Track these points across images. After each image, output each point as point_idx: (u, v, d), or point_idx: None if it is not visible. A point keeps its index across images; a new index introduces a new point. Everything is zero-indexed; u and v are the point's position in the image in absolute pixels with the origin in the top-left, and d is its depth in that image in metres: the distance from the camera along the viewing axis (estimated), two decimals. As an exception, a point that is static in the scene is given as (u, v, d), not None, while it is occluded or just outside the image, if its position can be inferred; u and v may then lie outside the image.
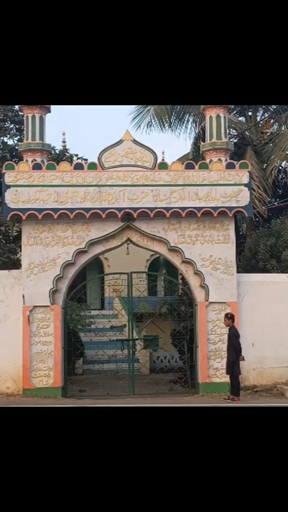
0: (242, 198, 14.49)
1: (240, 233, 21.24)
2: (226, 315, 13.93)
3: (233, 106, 18.43)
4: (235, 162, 14.95)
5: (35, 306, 14.32)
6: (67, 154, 21.88)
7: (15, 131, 21.54)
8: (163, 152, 25.68)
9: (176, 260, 14.89)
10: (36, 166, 14.51)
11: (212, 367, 14.39)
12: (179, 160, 18.90)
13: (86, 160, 20.00)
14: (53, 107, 16.03)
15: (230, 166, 14.69)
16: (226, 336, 13.84)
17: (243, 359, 13.49)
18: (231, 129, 21.60)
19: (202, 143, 16.24)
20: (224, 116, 15.53)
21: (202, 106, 16.46)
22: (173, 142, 49.17)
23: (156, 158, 14.72)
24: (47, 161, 15.27)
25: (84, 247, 14.55)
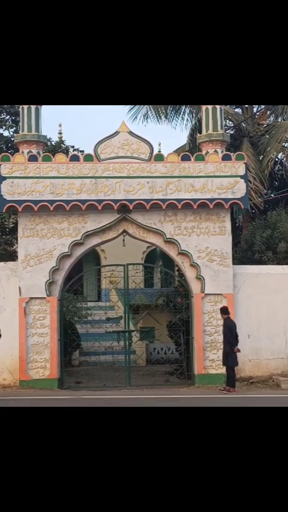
0: (238, 189, 14.49)
1: (237, 225, 21.23)
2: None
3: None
4: (231, 154, 14.95)
5: (31, 298, 14.35)
6: (63, 146, 21.82)
7: (10, 122, 21.49)
8: (159, 144, 25.66)
9: (172, 252, 14.90)
10: (32, 158, 14.48)
11: (208, 358, 14.43)
12: (175, 151, 18.89)
13: (82, 151, 19.98)
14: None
15: (226, 158, 14.68)
16: (222, 328, 13.91)
17: (238, 350, 13.55)
18: (227, 120, 21.55)
19: (198, 134, 16.20)
20: (220, 108, 15.49)
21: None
22: (169, 133, 48.97)
23: (152, 150, 14.70)
24: (43, 152, 15.23)
25: (81, 239, 14.56)
